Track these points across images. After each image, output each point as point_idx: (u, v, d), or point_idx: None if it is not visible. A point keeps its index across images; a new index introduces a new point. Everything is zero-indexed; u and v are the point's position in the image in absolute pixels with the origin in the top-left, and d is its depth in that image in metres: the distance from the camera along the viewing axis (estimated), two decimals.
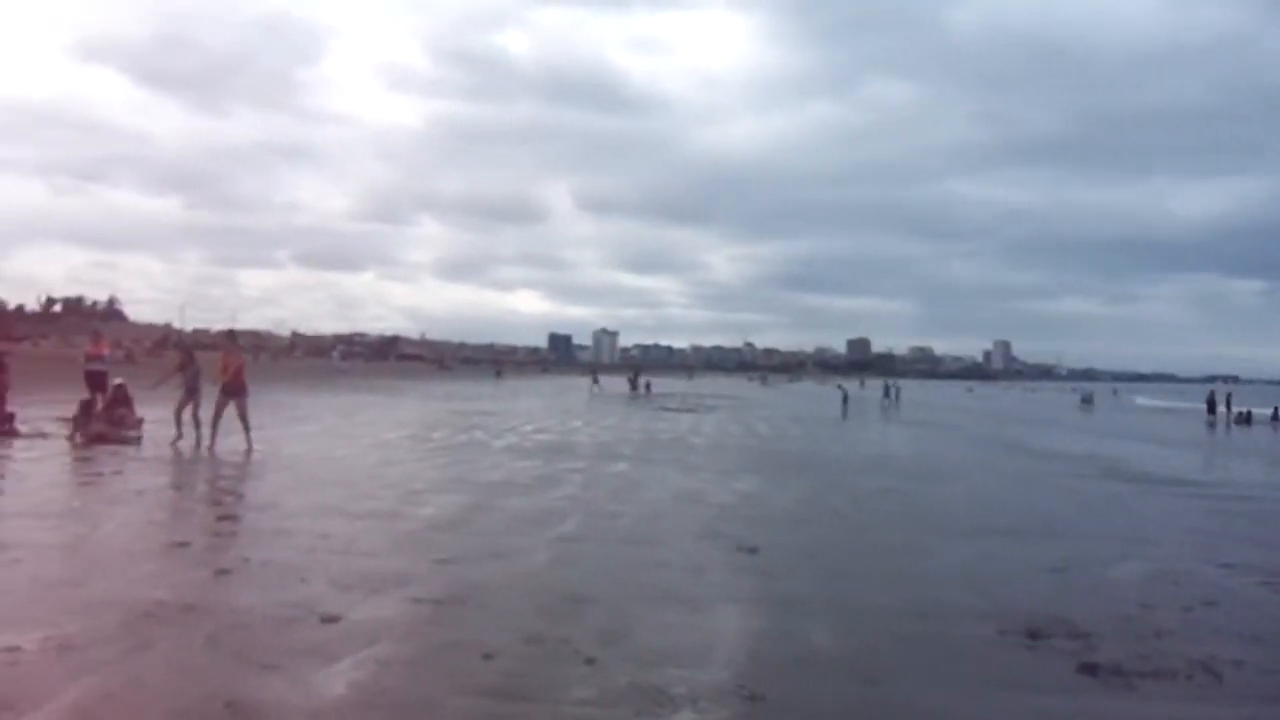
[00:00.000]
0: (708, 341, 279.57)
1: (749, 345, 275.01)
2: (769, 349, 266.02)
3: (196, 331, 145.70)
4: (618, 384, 68.97)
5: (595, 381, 62.37)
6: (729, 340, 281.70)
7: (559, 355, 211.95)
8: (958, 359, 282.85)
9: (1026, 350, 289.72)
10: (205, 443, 15.45)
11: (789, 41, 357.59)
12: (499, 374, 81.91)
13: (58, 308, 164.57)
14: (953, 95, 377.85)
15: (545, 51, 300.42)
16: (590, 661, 5.60)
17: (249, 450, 15.34)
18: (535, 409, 36.68)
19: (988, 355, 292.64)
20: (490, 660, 5.57)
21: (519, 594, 7.27)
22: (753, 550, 9.35)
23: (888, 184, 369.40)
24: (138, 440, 15.91)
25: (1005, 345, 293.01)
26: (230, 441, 15.69)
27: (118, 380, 17.71)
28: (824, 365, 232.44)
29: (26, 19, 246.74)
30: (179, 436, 16.06)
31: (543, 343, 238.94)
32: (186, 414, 16.27)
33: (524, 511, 11.24)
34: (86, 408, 16.71)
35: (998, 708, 5.26)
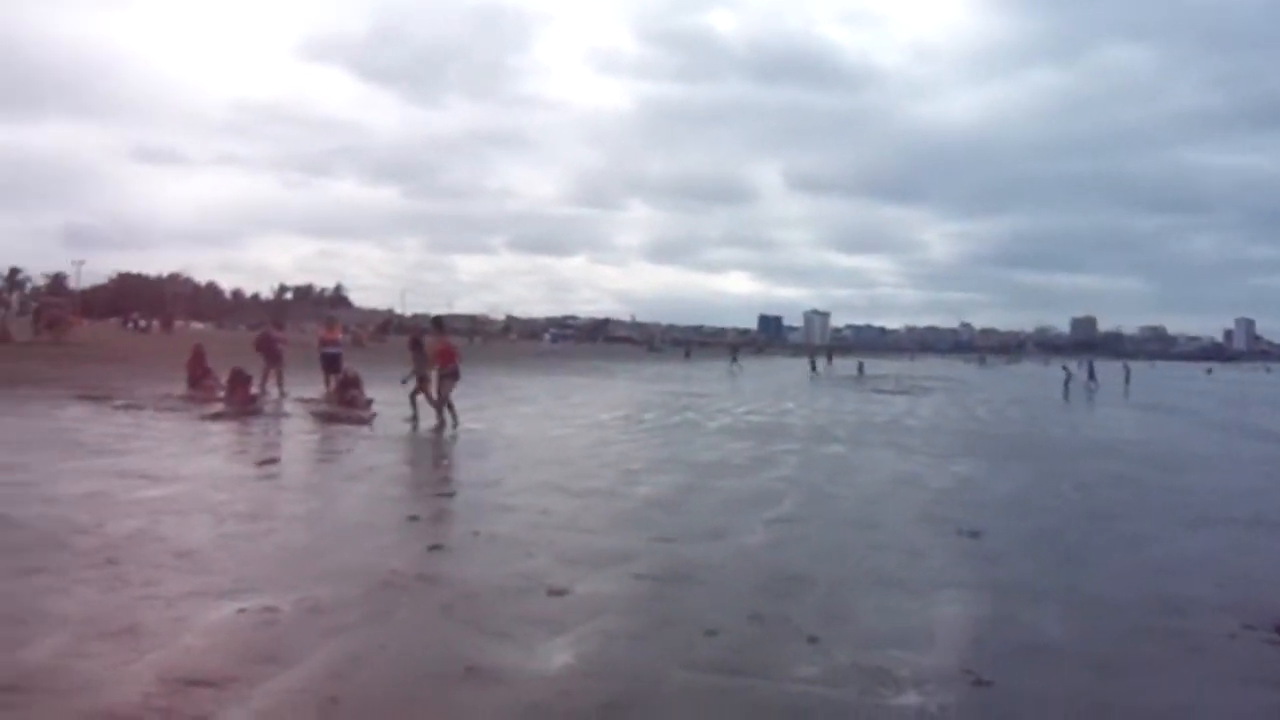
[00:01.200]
0: (922, 322, 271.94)
1: (965, 325, 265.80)
2: (986, 329, 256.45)
3: (416, 316, 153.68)
4: (834, 366, 68.49)
5: (814, 368, 61.42)
6: (944, 320, 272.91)
7: (769, 336, 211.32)
8: (1194, 339, 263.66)
9: (1273, 329, 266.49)
10: (449, 425, 16.28)
11: (1009, 8, 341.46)
12: (687, 354, 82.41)
13: (289, 295, 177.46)
14: (1187, 58, 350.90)
15: (754, 29, 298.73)
16: (813, 640, 5.71)
17: (438, 427, 16.14)
18: (747, 390, 36.88)
19: (1229, 335, 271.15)
20: (713, 636, 5.76)
21: (738, 573, 7.46)
22: (975, 535, 9.24)
23: (1114, 154, 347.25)
24: (369, 420, 17.02)
25: (1248, 324, 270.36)
26: (426, 424, 16.56)
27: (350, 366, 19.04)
28: (1045, 345, 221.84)
29: (258, 24, 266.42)
30: (414, 416, 17.09)
31: (752, 324, 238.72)
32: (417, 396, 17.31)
33: (740, 492, 11.44)
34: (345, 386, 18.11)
35: (1239, 705, 5.06)
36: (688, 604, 6.50)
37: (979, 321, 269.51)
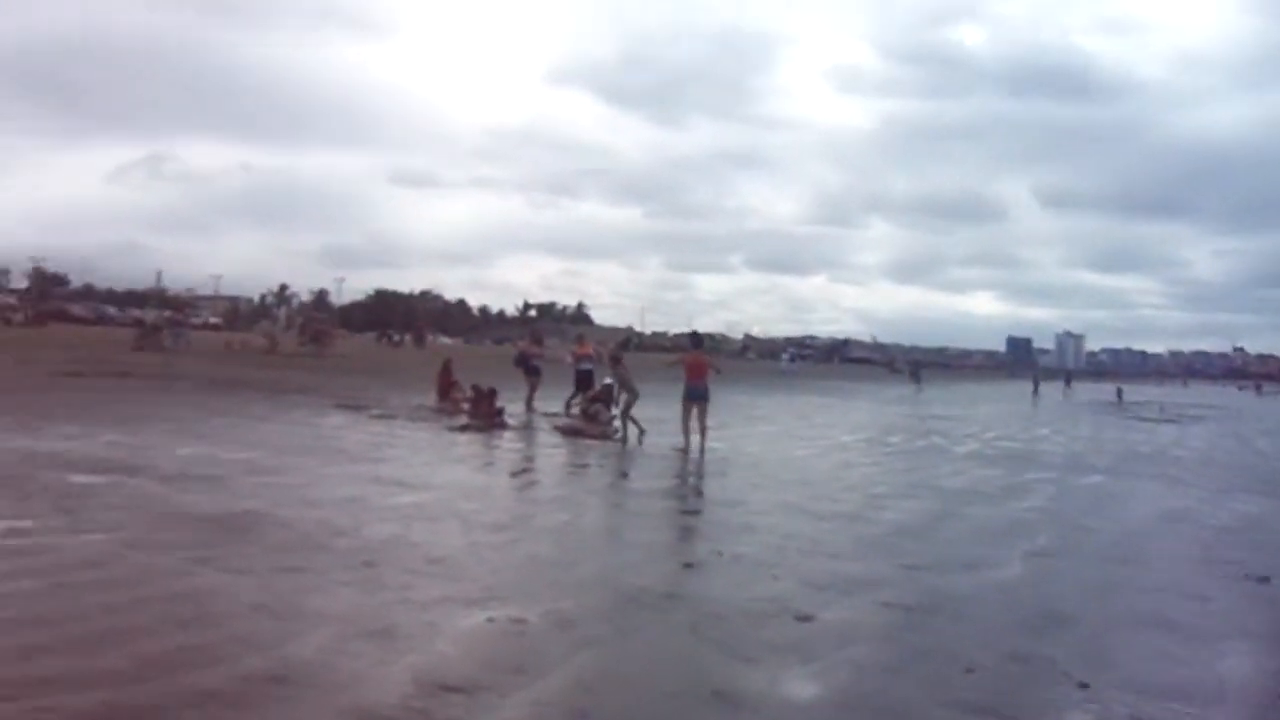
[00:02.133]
0: (1187, 346, 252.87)
1: (1239, 350, 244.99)
2: (1265, 354, 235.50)
3: (655, 334, 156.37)
4: (1088, 391, 64.98)
5: (1036, 390, 58.77)
6: (1214, 345, 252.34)
7: (1017, 359, 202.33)
8: None
9: None
10: (694, 446, 16.33)
11: None
12: (915, 377, 77.50)
13: (533, 312, 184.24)
14: None
15: (1005, 42, 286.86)
16: (1084, 686, 5.34)
17: (702, 449, 16.16)
18: (995, 415, 35.46)
19: None
20: (972, 674, 5.49)
21: (994, 607, 7.15)
22: (1264, 580, 8.48)
23: None
24: (612, 436, 17.36)
25: None
26: (670, 440, 16.64)
27: (607, 380, 19.51)
28: None
29: (509, 53, 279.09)
30: (642, 433, 17.31)
31: (999, 346, 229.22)
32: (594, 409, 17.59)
33: (992, 521, 11.02)
34: (598, 400, 18.64)
35: None
36: (941, 637, 6.23)
37: (1254, 346, 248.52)
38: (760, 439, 19.56)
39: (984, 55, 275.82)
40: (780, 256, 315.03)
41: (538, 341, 25.02)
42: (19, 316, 67.42)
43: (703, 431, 16.45)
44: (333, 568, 7.03)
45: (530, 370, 22.16)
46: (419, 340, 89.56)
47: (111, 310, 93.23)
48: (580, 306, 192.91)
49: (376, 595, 6.37)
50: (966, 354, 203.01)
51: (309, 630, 5.53)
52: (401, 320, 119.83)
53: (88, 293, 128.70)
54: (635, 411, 17.70)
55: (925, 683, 5.35)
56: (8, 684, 4.48)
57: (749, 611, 6.54)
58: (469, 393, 20.23)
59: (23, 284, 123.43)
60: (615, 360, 18.98)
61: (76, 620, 5.49)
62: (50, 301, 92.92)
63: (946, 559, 8.72)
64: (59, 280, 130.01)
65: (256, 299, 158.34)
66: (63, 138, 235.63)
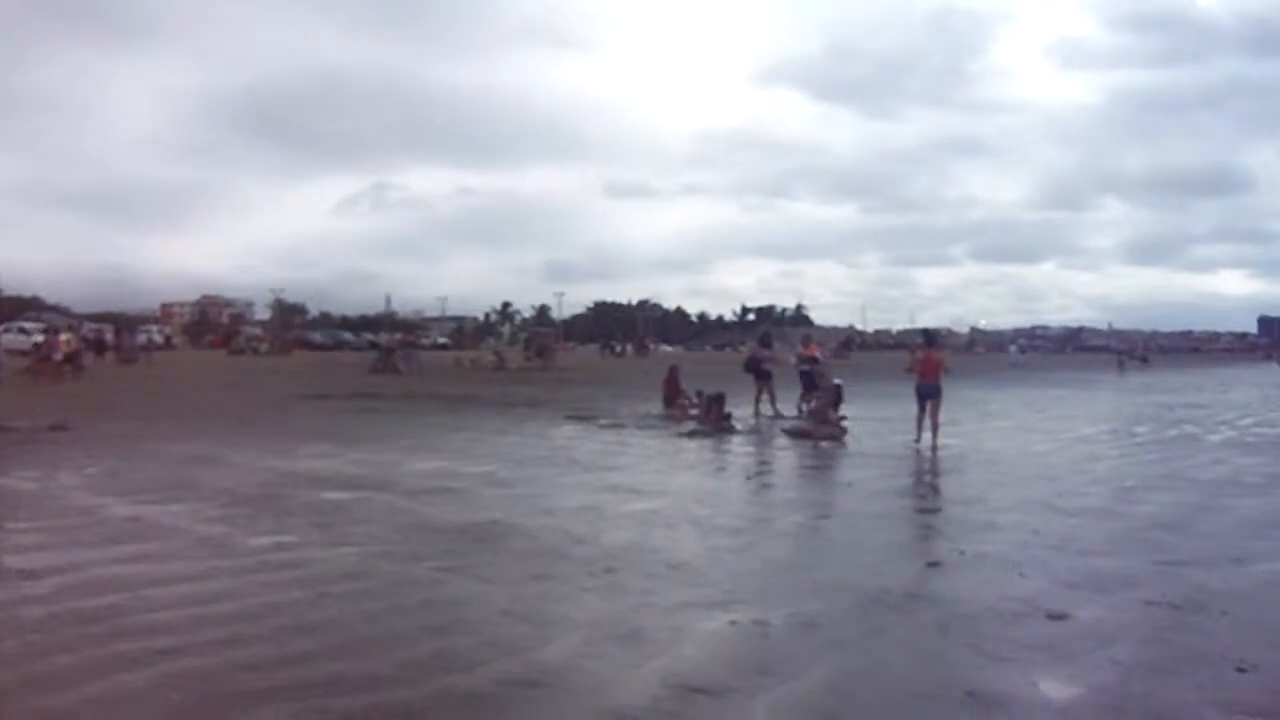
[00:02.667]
0: None
1: None
2: None
3: (878, 332, 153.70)
4: None
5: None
6: None
7: (1273, 340, 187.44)
8: None
9: None
10: (925, 444, 16.07)
11: None
12: (1144, 360, 71.19)
13: (751, 316, 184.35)
14: None
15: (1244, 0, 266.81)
16: None
17: (934, 447, 15.79)
18: (1250, 400, 32.99)
19: None
20: (1245, 674, 5.18)
21: (1267, 604, 6.76)
22: None
23: None
24: (840, 437, 17.18)
25: None
26: (897, 439, 16.30)
27: (836, 380, 19.39)
28: None
29: (715, 57, 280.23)
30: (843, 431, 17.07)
31: (1251, 327, 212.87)
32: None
33: (1259, 513, 10.38)
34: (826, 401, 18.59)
35: None
36: (1211, 637, 5.88)
37: None
38: (995, 434, 18.91)
39: (1221, 16, 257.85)
40: (1006, 245, 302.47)
41: (767, 345, 25.05)
42: (265, 346, 72.54)
43: (934, 429, 16.11)
44: (575, 574, 7.25)
45: (761, 374, 22.21)
46: (640, 349, 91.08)
47: (348, 335, 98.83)
48: (799, 308, 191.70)
49: (620, 600, 6.53)
50: (1214, 336, 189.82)
51: (558, 635, 5.73)
52: (622, 330, 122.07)
53: (324, 320, 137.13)
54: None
55: (1195, 683, 5.07)
56: (285, 687, 4.83)
57: (998, 610, 6.35)
58: (695, 399, 20.45)
59: (266, 315, 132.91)
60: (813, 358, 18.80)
61: (341, 628, 5.87)
62: (292, 330, 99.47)
63: (1210, 553, 8.23)
64: (298, 310, 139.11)
65: (481, 317, 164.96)
66: (292, 175, 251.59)
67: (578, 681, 4.99)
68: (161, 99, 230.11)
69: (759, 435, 17.97)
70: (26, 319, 65.68)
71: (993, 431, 19.44)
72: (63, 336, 37.38)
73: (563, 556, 7.84)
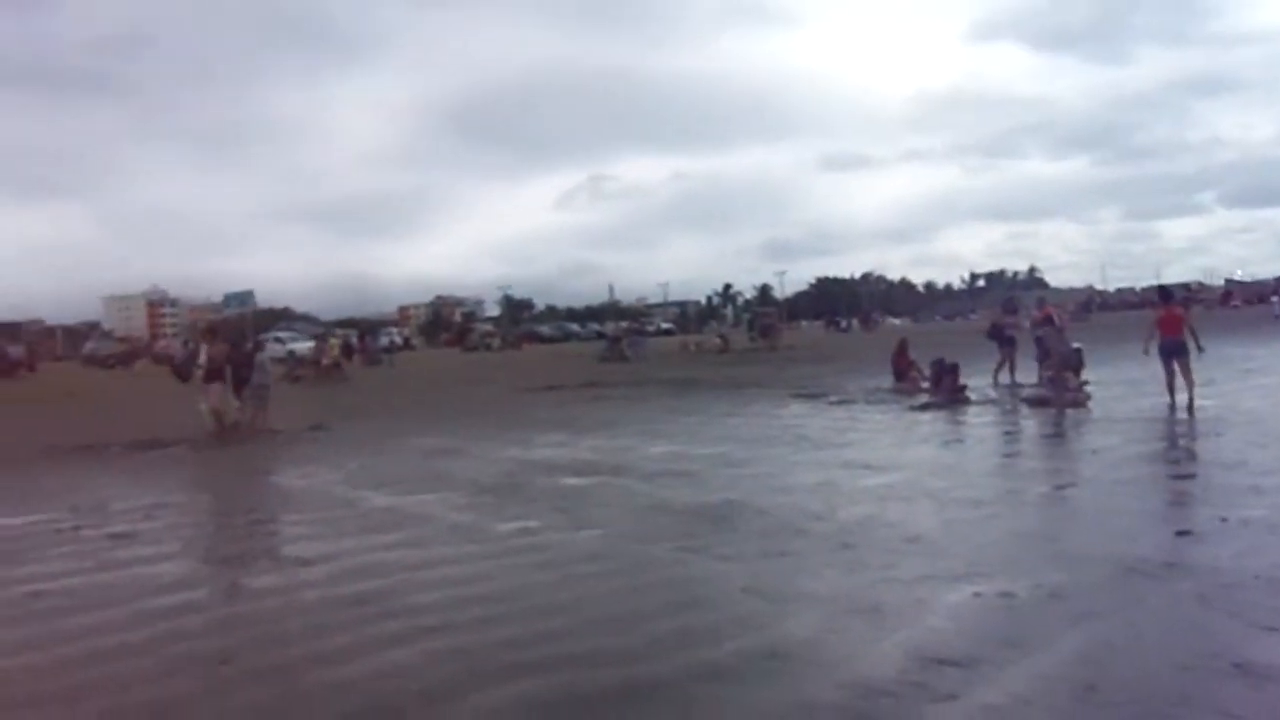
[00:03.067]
0: None
1: None
2: None
3: (1120, 291, 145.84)
4: None
5: None
6: None
7: None
8: None
9: None
10: (1180, 405, 15.27)
11: None
12: None
13: (981, 283, 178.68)
14: None
15: None
16: None
17: (1189, 408, 14.93)
18: None
19: None
20: None
21: None
22: None
23: None
24: (1084, 402, 16.50)
25: None
26: (1146, 403, 15.44)
27: (1076, 344, 18.67)
28: None
29: (924, 17, 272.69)
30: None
31: None
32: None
33: None
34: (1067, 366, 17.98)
35: None
36: None
37: None
38: (1259, 393, 17.66)
39: None
40: (1262, 187, 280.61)
41: (1011, 310, 24.20)
42: (497, 342, 75.41)
43: (1189, 387, 15.24)
44: (813, 550, 7.31)
45: (1004, 341, 21.51)
46: (867, 324, 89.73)
47: (574, 327, 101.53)
48: (1032, 270, 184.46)
49: (859, 575, 6.56)
50: None
51: (799, 610, 5.82)
52: (846, 305, 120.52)
53: (551, 313, 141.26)
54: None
55: None
56: (542, 662, 5.11)
57: (1267, 579, 6.01)
58: (928, 371, 20.06)
59: (495, 312, 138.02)
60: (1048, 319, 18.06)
61: (589, 606, 6.14)
62: (521, 325, 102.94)
63: None
64: (525, 304, 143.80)
65: (703, 301, 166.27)
66: (512, 174, 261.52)
67: (821, 654, 5.07)
68: (387, 112, 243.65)
69: (996, 406, 17.46)
70: (280, 329, 70.63)
71: (1254, 390, 18.18)
72: (331, 342, 40.60)
73: (799, 533, 7.90)
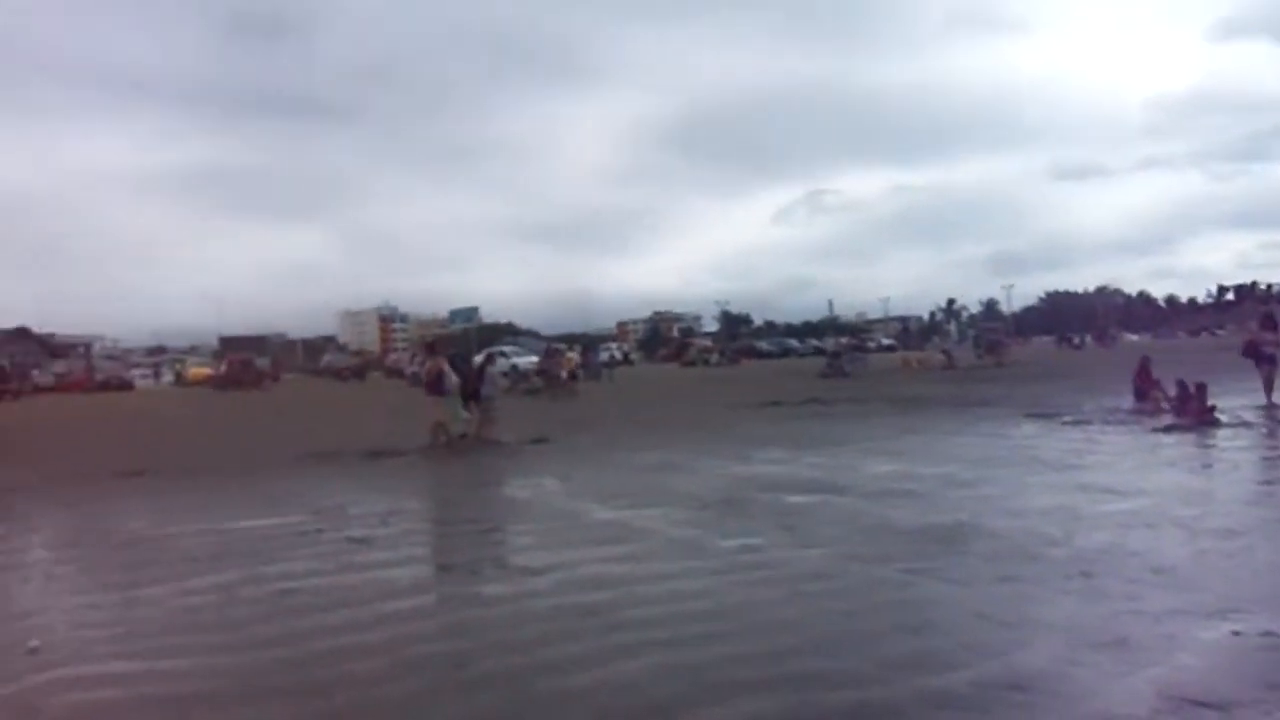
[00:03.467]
0: None
1: None
2: None
3: None
4: None
5: None
6: None
7: None
8: None
9: None
10: None
11: None
12: None
13: (1230, 296, 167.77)
14: None
15: None
16: None
17: None
18: None
19: None
20: None
21: None
22: None
23: None
24: None
25: None
26: None
27: None
28: None
29: (1161, 20, 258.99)
30: None
31: None
32: None
33: None
34: None
35: None
36: None
37: None
38: None
39: None
40: None
41: (1270, 326, 22.49)
42: (715, 357, 75.81)
43: None
44: (1049, 577, 7.02)
45: (1264, 359, 20.01)
46: (1102, 340, 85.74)
47: (793, 343, 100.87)
48: None
49: (1101, 605, 6.26)
50: None
51: (1036, 639, 5.60)
52: (1079, 320, 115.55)
53: (769, 328, 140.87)
54: None
55: None
56: (771, 680, 5.11)
57: None
58: (1172, 391, 18.97)
59: (713, 327, 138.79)
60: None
61: (816, 625, 6.10)
62: (739, 340, 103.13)
63: None
64: (743, 320, 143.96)
65: (926, 316, 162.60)
66: (731, 190, 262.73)
67: (1064, 687, 4.86)
68: (610, 131, 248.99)
69: (1251, 429, 16.34)
70: (504, 344, 73.05)
71: None
72: (568, 355, 41.84)
73: (1034, 559, 7.60)
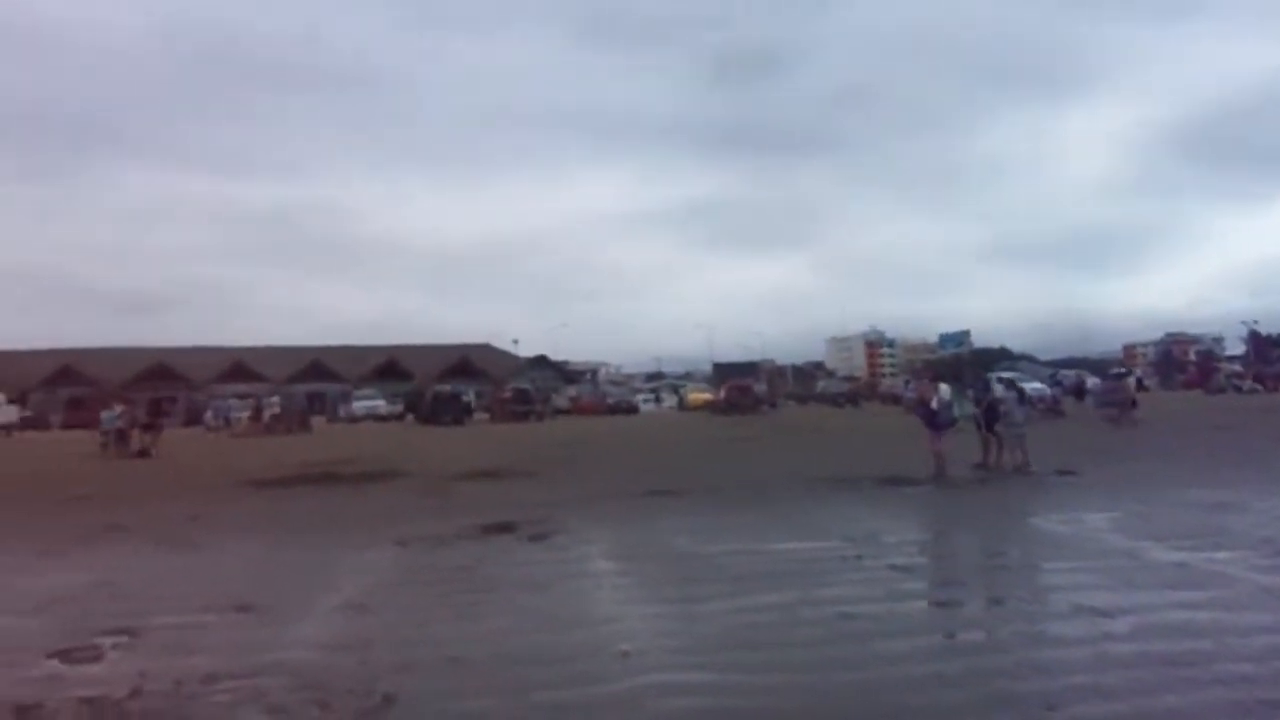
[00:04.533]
0: None
1: None
2: None
3: None
4: None
5: None
6: None
7: None
8: None
9: None
10: None
11: None
12: None
13: None
14: None
15: None
16: None
17: None
18: None
19: None
20: None
21: None
22: None
23: None
24: None
25: None
26: None
27: None
28: None
29: None
30: None
31: None
32: None
33: None
34: None
35: None
36: None
37: None
38: None
39: None
40: None
41: None
42: (1247, 384, 68.69)
43: None
44: None
45: None
46: None
47: None
48: None
49: None
50: None
51: None
52: None
53: None
54: None
55: None
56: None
57: None
58: None
59: (1238, 350, 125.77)
60: None
61: None
62: (1275, 364, 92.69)
63: None
64: (1276, 341, 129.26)
65: None
66: (1252, 197, 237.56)
67: None
68: (1105, 142, 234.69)
69: None
70: (1002, 369, 70.58)
71: None
72: (1127, 381, 39.32)
73: None
